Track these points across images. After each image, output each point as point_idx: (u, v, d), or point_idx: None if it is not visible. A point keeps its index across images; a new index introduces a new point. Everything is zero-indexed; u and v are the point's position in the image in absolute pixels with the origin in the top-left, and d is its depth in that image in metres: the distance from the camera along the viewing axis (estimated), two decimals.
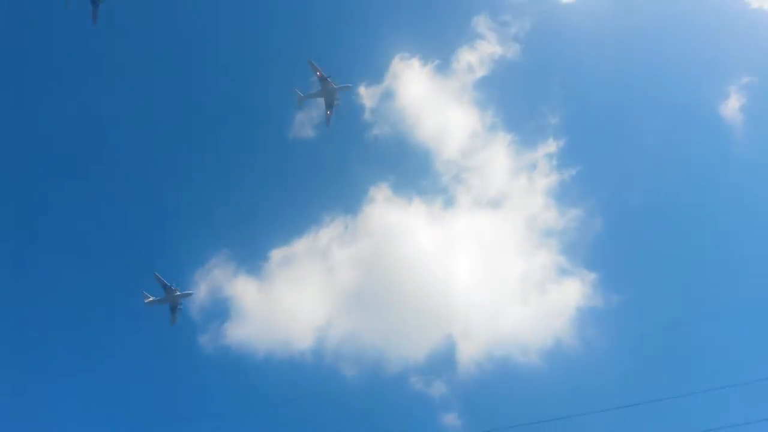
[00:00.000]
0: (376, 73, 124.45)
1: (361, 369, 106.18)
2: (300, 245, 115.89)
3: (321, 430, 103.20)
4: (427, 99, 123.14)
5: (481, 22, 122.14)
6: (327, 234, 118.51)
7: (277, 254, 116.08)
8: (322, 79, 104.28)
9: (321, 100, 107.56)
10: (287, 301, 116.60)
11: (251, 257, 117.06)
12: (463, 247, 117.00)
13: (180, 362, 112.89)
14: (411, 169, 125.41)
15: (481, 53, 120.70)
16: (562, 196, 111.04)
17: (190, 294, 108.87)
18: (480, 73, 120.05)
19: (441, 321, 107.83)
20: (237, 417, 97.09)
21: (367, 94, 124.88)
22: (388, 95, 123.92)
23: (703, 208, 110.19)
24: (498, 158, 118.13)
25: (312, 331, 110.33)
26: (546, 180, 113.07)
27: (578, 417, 59.68)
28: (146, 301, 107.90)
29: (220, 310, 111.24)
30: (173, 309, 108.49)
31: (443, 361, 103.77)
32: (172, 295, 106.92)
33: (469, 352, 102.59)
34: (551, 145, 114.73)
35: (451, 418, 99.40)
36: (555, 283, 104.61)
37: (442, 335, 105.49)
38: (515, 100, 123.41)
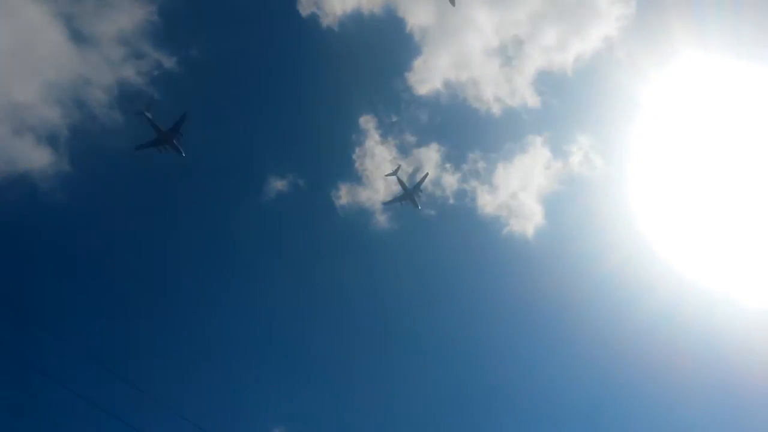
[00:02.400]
0: None
1: None
2: None
3: None
4: None
5: None
6: None
7: None
8: (414, 192, 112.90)
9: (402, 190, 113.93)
10: None
11: None
12: None
13: None
14: None
15: None
16: None
17: (181, 154, 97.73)
18: None
19: None
20: None
21: None
22: None
23: None
24: None
25: None
26: None
27: None
28: (146, 112, 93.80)
29: None
30: (158, 143, 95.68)
31: None
32: (171, 138, 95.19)
33: None
34: None
35: None
36: None
37: None
38: None
